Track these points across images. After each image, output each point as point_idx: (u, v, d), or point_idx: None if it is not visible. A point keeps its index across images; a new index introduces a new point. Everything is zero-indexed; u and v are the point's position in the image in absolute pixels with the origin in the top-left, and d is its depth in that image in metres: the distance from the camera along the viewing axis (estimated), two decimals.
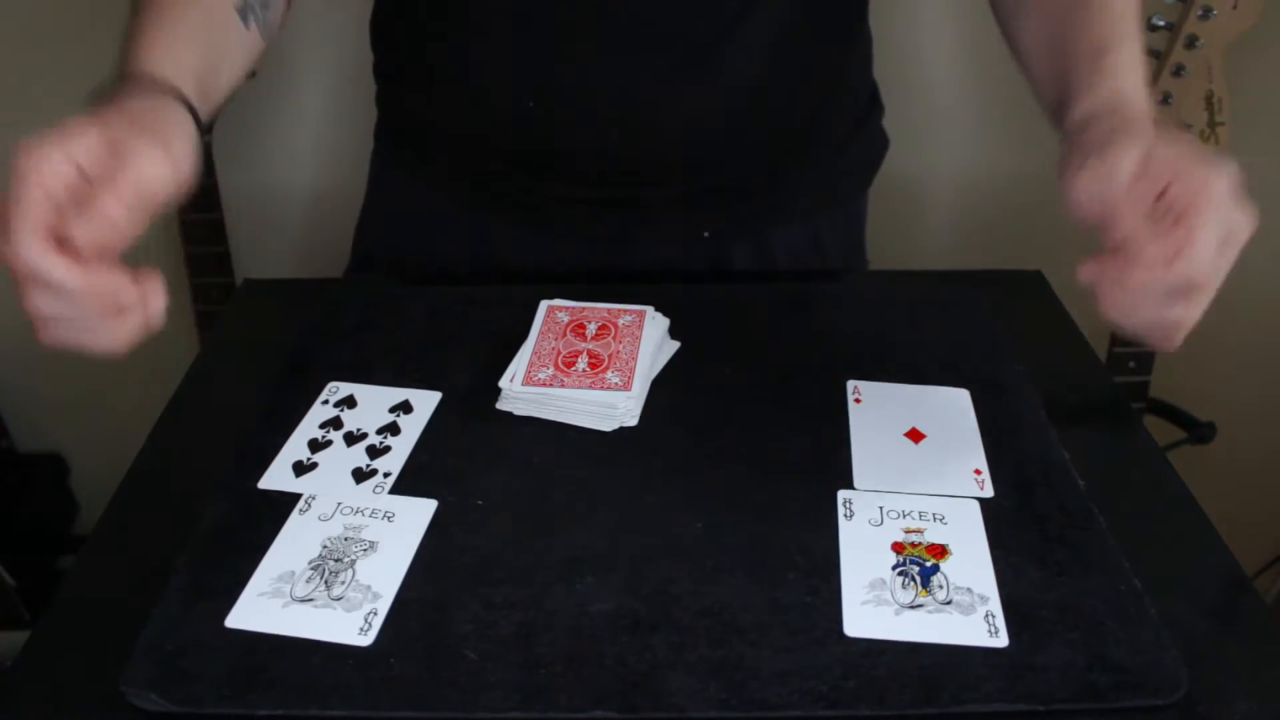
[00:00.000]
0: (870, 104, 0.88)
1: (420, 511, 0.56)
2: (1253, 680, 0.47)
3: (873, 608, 0.50)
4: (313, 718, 0.45)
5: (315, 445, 0.61)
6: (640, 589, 0.51)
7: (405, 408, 0.63)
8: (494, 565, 0.52)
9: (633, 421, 0.62)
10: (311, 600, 0.50)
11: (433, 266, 0.86)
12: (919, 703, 0.45)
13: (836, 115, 0.85)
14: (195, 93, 0.58)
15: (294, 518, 0.55)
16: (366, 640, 0.48)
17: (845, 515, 0.55)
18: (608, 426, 0.62)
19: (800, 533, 0.54)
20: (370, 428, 0.62)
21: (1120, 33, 0.65)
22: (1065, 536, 0.54)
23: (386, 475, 0.58)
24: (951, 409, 0.64)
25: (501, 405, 0.63)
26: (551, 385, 0.63)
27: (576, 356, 0.65)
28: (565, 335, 0.67)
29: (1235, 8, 1.14)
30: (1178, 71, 1.17)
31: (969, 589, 0.51)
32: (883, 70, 0.89)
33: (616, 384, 0.63)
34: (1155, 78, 1.18)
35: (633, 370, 0.64)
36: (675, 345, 0.69)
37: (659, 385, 0.65)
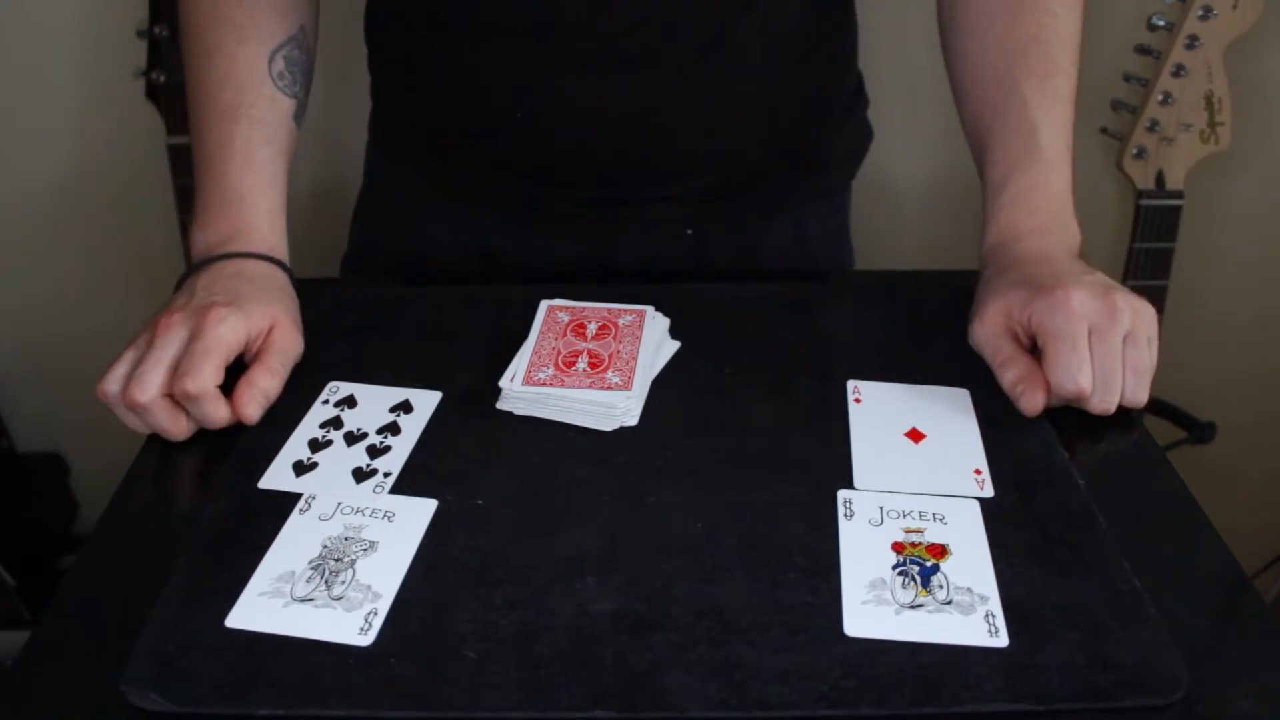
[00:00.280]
0: (855, 96, 0.89)
1: (420, 511, 0.56)
2: (1253, 680, 0.47)
3: (873, 607, 0.50)
4: (313, 717, 0.45)
5: (315, 445, 0.61)
6: (640, 589, 0.51)
7: (405, 407, 0.64)
8: (494, 565, 0.52)
9: (633, 421, 0.62)
10: (312, 600, 0.50)
11: (424, 256, 0.87)
12: (919, 703, 0.45)
13: (822, 112, 0.85)
14: (285, 245, 0.73)
15: (294, 517, 0.55)
16: (367, 640, 0.48)
17: (845, 515, 0.55)
18: (608, 426, 0.62)
19: (800, 532, 0.54)
20: (370, 427, 0.62)
21: (1031, 148, 0.70)
22: (1065, 536, 0.54)
23: (387, 475, 0.58)
24: (951, 409, 0.64)
25: (501, 405, 0.63)
26: (552, 385, 0.63)
27: (577, 356, 0.65)
28: (565, 335, 0.67)
29: (1235, 8, 1.14)
30: (1178, 71, 1.17)
31: (969, 589, 0.51)
32: (866, 63, 0.90)
33: (617, 384, 0.63)
34: (1155, 78, 1.18)
35: (633, 370, 0.64)
36: (675, 345, 0.69)
37: (659, 385, 0.65)
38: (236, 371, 0.63)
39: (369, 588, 0.51)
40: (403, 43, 0.81)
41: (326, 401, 0.64)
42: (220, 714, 0.45)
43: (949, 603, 0.50)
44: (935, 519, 0.55)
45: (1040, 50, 0.70)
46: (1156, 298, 1.21)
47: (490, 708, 0.45)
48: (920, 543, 0.53)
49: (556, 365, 0.64)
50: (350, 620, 0.49)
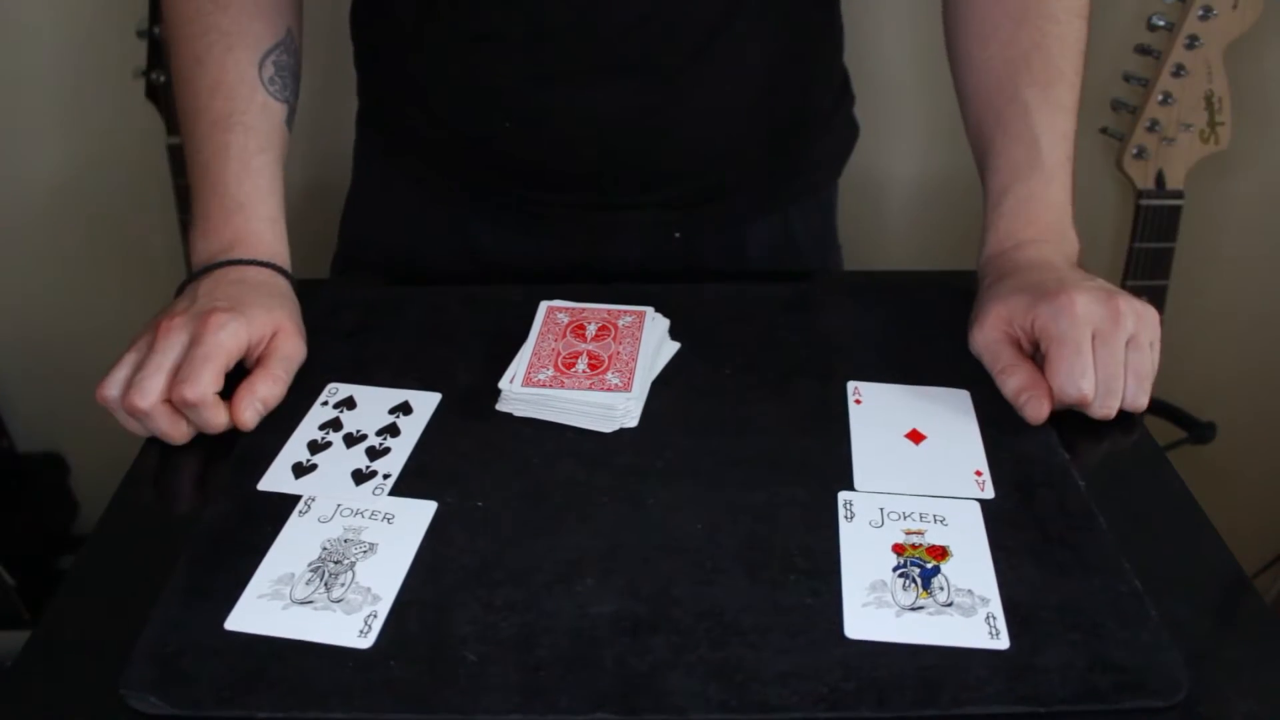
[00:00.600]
0: (841, 93, 0.89)
1: (420, 513, 0.56)
2: (1253, 680, 0.47)
3: (873, 609, 0.50)
4: None
5: (315, 447, 0.60)
6: (640, 590, 0.51)
7: (405, 409, 0.63)
8: (494, 567, 0.52)
9: (633, 422, 0.62)
10: (311, 602, 0.50)
11: (413, 255, 0.87)
12: (919, 705, 0.45)
13: (810, 110, 0.85)
14: (287, 251, 0.73)
15: (293, 519, 0.55)
16: (366, 642, 0.48)
17: (846, 516, 0.55)
18: (608, 428, 0.62)
19: (800, 534, 0.54)
20: (370, 429, 0.62)
21: (1032, 156, 0.70)
22: (1066, 537, 0.54)
23: (386, 477, 0.58)
24: (952, 409, 0.64)
25: (501, 406, 0.63)
26: (551, 386, 0.63)
27: (576, 357, 0.65)
28: (565, 336, 0.67)
29: (1235, 8, 1.14)
30: (1178, 71, 1.17)
31: (970, 590, 0.51)
32: (851, 61, 0.90)
33: (616, 385, 0.63)
34: (1155, 78, 1.18)
35: (633, 371, 0.64)
36: (675, 346, 0.69)
37: (659, 386, 0.65)
38: (239, 377, 0.63)
39: (368, 590, 0.51)
40: (390, 42, 0.81)
41: (326, 403, 0.64)
42: (219, 716, 0.45)
43: (950, 605, 0.50)
44: (936, 520, 0.55)
45: (1043, 57, 0.70)
46: (1156, 298, 1.21)
47: (490, 710, 0.45)
48: (921, 544, 0.53)
49: (556, 366, 0.64)
50: (350, 622, 0.49)
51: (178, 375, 0.60)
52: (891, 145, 1.31)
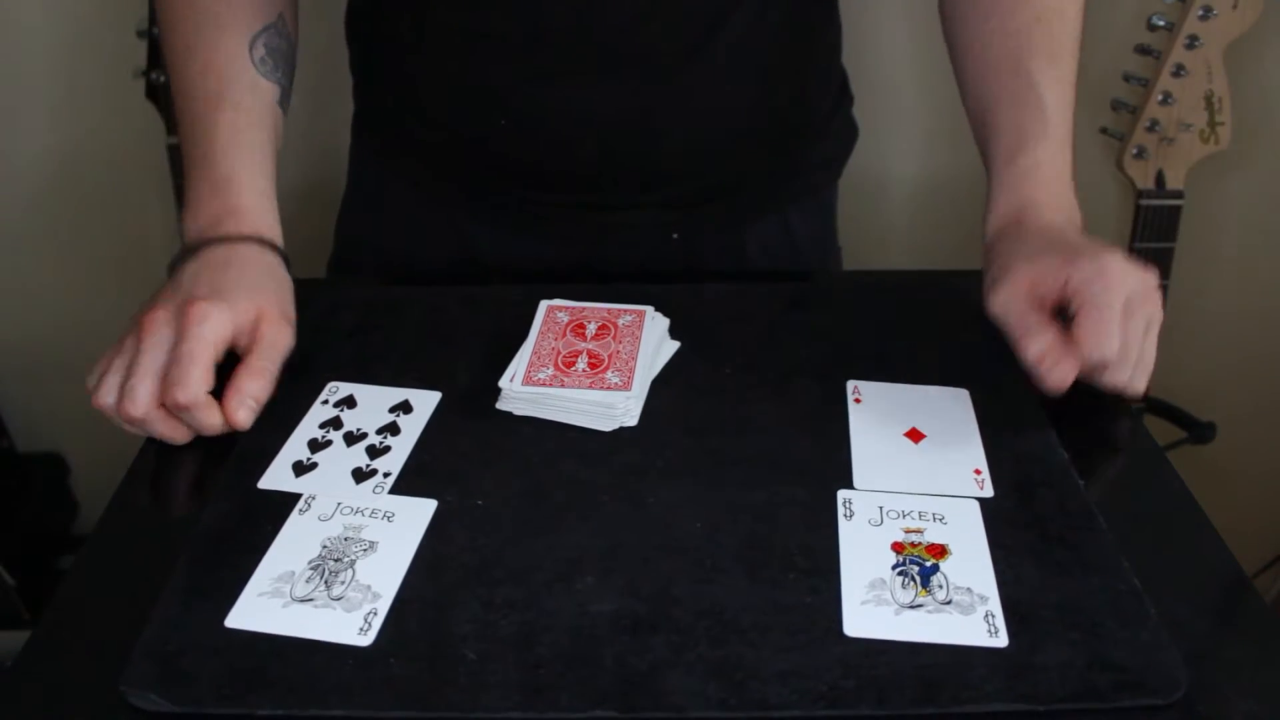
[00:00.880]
0: (840, 94, 0.89)
1: (420, 511, 0.56)
2: (1253, 680, 0.47)
3: (872, 608, 0.50)
4: (312, 718, 0.45)
5: (315, 445, 0.61)
6: (640, 589, 0.51)
7: (405, 408, 0.64)
8: (494, 565, 0.52)
9: (633, 421, 0.62)
10: (311, 600, 0.50)
11: (410, 258, 0.87)
12: (919, 703, 0.45)
13: (807, 111, 0.85)
14: (278, 227, 0.71)
15: (294, 518, 0.55)
16: (366, 640, 0.48)
17: (845, 515, 0.55)
18: (608, 426, 0.62)
19: (800, 533, 0.54)
20: (370, 428, 0.62)
21: (1040, 125, 0.70)
22: (1065, 536, 0.54)
23: (386, 475, 0.58)
24: (951, 409, 0.64)
25: (501, 405, 0.63)
26: (551, 385, 0.63)
27: (576, 356, 0.65)
28: (565, 335, 0.67)
29: (1235, 8, 1.14)
30: (1178, 71, 1.17)
31: (969, 589, 0.51)
32: (849, 62, 0.90)
33: (616, 384, 0.63)
34: (1155, 78, 1.18)
35: (633, 370, 0.64)
36: (675, 345, 0.69)
37: (659, 385, 0.65)
38: (233, 365, 0.62)
39: (369, 588, 0.51)
40: (386, 46, 0.81)
41: (326, 402, 0.64)
42: (220, 714, 0.45)
43: (949, 603, 0.50)
44: (935, 519, 0.55)
45: (1045, 31, 0.71)
46: None
47: (490, 708, 0.45)
48: (920, 543, 0.53)
49: (556, 365, 0.64)
50: (350, 620, 0.49)
51: (167, 378, 0.59)
52: (890, 147, 1.31)
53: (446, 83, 0.78)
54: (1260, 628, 0.51)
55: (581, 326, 0.68)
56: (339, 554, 0.53)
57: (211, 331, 0.61)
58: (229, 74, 0.71)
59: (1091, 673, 0.46)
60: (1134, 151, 1.20)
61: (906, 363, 0.67)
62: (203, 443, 0.62)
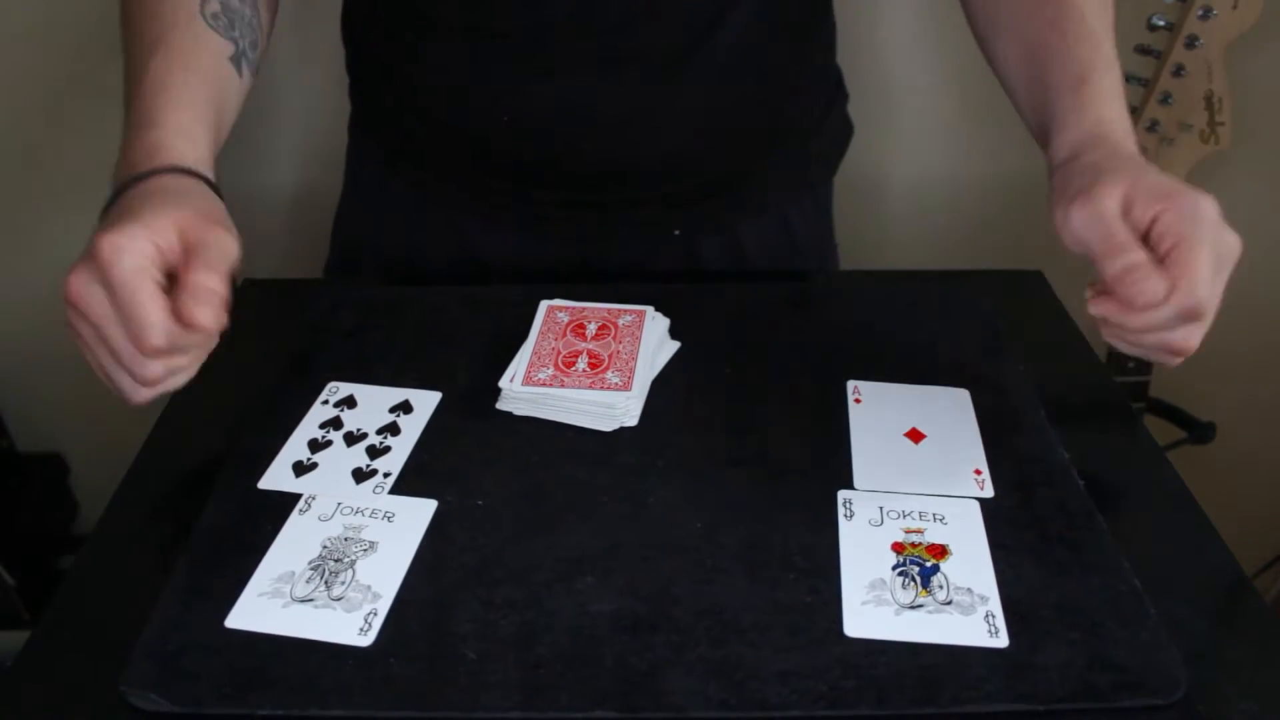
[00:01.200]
0: (835, 91, 0.89)
1: (420, 511, 0.56)
2: (1253, 680, 0.47)
3: (873, 608, 0.50)
4: (313, 718, 0.45)
5: (315, 445, 0.61)
6: (640, 589, 0.51)
7: (405, 408, 0.64)
8: (494, 565, 0.52)
9: (633, 421, 0.62)
10: (311, 600, 0.50)
11: (409, 259, 0.87)
12: (919, 703, 0.45)
13: (803, 108, 0.85)
14: (214, 169, 0.63)
15: (294, 518, 0.55)
16: (366, 640, 0.48)
17: (845, 515, 0.55)
18: (608, 426, 0.62)
19: (800, 533, 0.54)
20: (370, 428, 0.62)
21: (1099, 62, 0.67)
22: (1065, 536, 0.54)
23: (386, 475, 0.58)
24: (951, 409, 0.64)
25: (501, 405, 0.63)
26: (551, 385, 0.63)
27: (576, 356, 0.65)
28: (565, 335, 0.67)
29: (1235, 8, 1.14)
30: (1178, 71, 1.17)
31: (969, 589, 0.51)
32: (844, 60, 0.90)
33: (616, 384, 0.63)
34: (1155, 78, 1.18)
35: (633, 370, 0.64)
36: (675, 345, 0.69)
37: (659, 385, 0.65)
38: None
39: (369, 588, 0.51)
40: (384, 45, 0.81)
41: (326, 402, 0.64)
42: (220, 714, 0.45)
43: (949, 603, 0.50)
44: (935, 519, 0.55)
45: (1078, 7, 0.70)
46: None
47: (490, 708, 0.45)
48: (920, 543, 0.53)
49: (556, 365, 0.64)
50: (350, 620, 0.49)
51: (130, 337, 0.53)
52: (886, 145, 1.31)
53: (445, 81, 0.78)
54: (1260, 628, 0.51)
55: (581, 326, 0.68)
56: (339, 554, 0.53)
57: (132, 260, 0.53)
58: (171, 22, 0.67)
59: (1091, 672, 0.47)
60: None
61: (906, 363, 0.67)
62: (203, 444, 0.62)
